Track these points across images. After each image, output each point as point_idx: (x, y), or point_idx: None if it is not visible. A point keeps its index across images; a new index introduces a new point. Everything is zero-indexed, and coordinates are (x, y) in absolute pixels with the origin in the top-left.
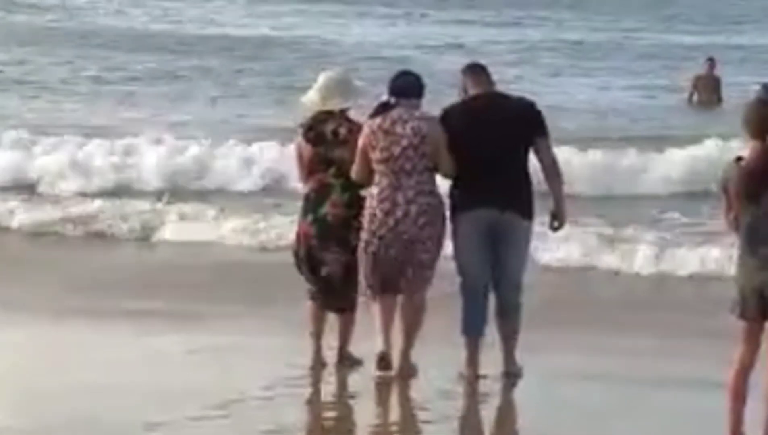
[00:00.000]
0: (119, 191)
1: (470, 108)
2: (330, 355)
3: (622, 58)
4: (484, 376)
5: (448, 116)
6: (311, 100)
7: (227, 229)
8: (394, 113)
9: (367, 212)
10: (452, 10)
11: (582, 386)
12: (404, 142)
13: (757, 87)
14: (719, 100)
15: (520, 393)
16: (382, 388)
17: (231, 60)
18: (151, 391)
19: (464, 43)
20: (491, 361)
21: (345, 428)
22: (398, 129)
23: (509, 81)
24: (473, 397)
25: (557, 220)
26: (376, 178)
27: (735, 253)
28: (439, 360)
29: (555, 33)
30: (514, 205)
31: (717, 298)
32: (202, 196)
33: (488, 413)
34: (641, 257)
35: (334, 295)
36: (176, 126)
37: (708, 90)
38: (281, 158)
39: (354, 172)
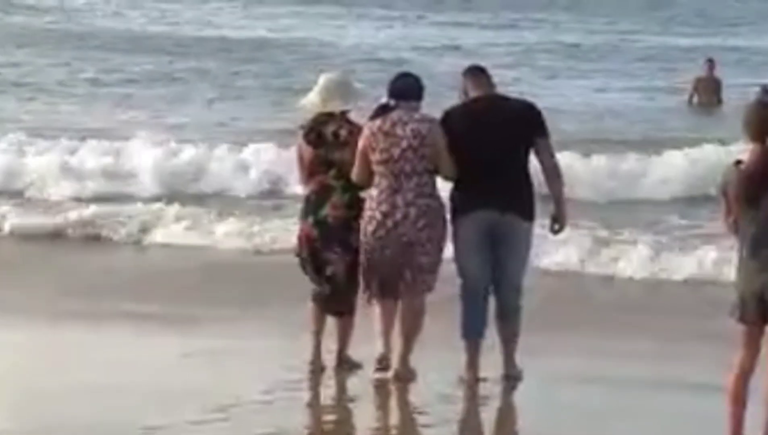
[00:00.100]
0: (115, 194)
1: (471, 110)
2: (329, 359)
3: (619, 60)
4: (484, 379)
5: (448, 118)
6: (311, 102)
7: (223, 233)
8: (394, 115)
9: (365, 214)
10: (449, 12)
11: (582, 389)
12: (404, 144)
13: (757, 89)
14: (719, 102)
15: (520, 396)
16: (382, 391)
17: (228, 62)
18: (150, 393)
19: (461, 45)
20: (491, 364)
21: (344, 432)
22: (398, 131)
23: (506, 83)
24: (473, 400)
25: (558, 222)
26: (376, 179)
27: (735, 256)
28: (438, 364)
29: (552, 35)
30: (515, 206)
31: (715, 301)
32: (199, 199)
33: (488, 416)
34: (640, 260)
35: (336, 296)
36: (173, 128)
37: (708, 92)
38: (278, 160)
39: (354, 173)
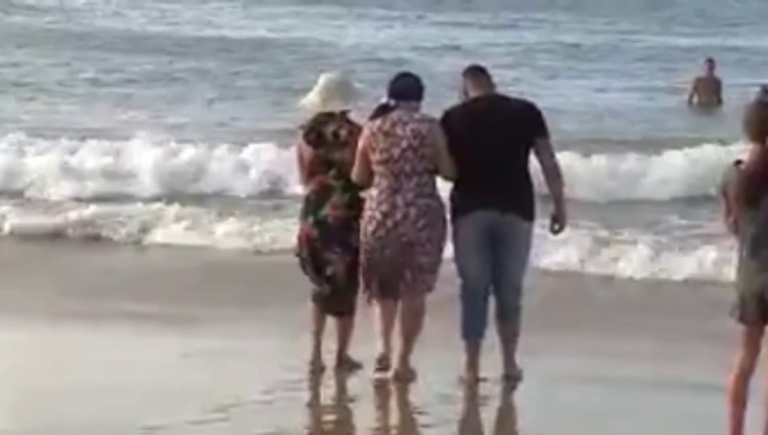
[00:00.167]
0: (115, 194)
1: (471, 110)
2: (329, 359)
3: (619, 60)
4: (484, 379)
5: (448, 118)
6: (311, 102)
7: (223, 233)
8: (394, 115)
9: (365, 214)
10: (449, 12)
11: (582, 389)
12: (404, 144)
13: (757, 89)
14: (719, 102)
15: (520, 396)
16: (382, 391)
17: (228, 62)
18: (150, 393)
19: (461, 45)
20: (491, 364)
21: (344, 432)
22: (398, 131)
23: (506, 83)
24: (473, 400)
25: (558, 222)
26: (376, 179)
27: (735, 256)
28: (438, 364)
29: (552, 35)
30: (515, 206)
31: (715, 301)
32: (199, 199)
33: (488, 416)
34: (640, 260)
35: (336, 296)
36: (173, 128)
37: (708, 92)
38: (278, 160)
39: (354, 173)
